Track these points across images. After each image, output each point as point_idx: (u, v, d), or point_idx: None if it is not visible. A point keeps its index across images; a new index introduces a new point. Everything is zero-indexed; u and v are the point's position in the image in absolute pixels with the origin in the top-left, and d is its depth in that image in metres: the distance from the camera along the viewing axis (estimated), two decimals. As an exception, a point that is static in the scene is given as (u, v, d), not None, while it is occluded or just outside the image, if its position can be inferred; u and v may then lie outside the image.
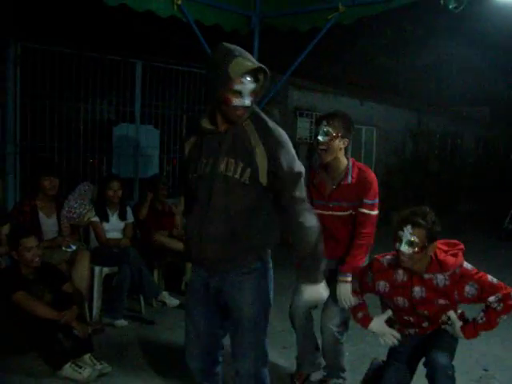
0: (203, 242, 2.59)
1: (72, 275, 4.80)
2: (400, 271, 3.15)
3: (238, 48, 2.51)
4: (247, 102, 2.48)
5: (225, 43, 2.53)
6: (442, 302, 3.08)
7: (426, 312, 3.14)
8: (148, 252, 5.61)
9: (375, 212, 3.61)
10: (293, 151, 2.59)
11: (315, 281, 2.66)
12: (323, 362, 3.96)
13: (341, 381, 3.92)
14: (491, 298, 2.99)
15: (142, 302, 5.39)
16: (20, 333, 3.95)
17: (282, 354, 4.43)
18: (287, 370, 4.18)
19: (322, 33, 4.88)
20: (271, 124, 2.61)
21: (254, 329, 2.70)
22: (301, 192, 2.59)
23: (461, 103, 17.48)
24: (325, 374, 3.97)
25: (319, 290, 2.68)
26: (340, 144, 3.58)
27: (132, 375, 4.05)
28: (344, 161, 3.65)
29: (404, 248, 2.98)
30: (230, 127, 2.56)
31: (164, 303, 5.49)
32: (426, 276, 3.08)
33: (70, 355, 3.96)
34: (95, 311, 5.08)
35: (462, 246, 3.22)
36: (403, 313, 3.24)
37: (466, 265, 3.10)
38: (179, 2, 4.49)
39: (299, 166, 2.59)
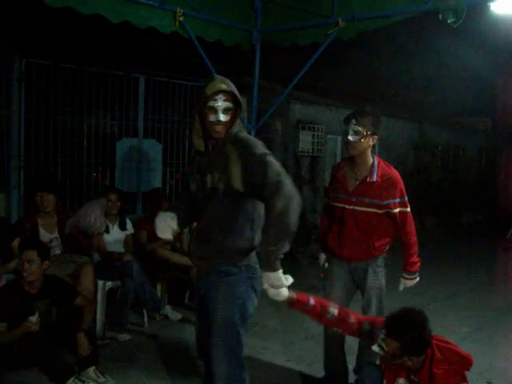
0: (191, 250, 3.01)
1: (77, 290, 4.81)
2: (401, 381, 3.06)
3: (222, 77, 2.87)
4: (222, 117, 2.76)
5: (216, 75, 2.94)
6: None
7: None
8: (151, 266, 5.63)
9: (409, 209, 3.73)
10: (271, 163, 2.65)
11: (277, 268, 2.69)
12: None
13: None
14: None
15: (145, 316, 5.40)
16: (22, 348, 3.95)
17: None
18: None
19: (322, 47, 4.93)
20: (247, 139, 2.84)
21: (225, 333, 2.82)
22: (280, 196, 2.58)
23: (462, 114, 17.50)
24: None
25: (280, 277, 2.72)
26: (369, 141, 3.66)
27: (135, 389, 4.07)
28: (370, 158, 3.73)
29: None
30: (215, 148, 2.85)
31: (167, 317, 5.50)
32: None
33: (74, 370, 3.97)
34: (99, 325, 5.08)
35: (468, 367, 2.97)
36: None
37: None
38: (181, 19, 4.55)
39: (276, 175, 2.63)
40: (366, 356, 3.84)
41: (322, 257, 4.09)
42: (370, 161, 3.71)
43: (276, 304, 3.06)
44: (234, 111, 2.82)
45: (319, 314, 3.20)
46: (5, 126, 5.95)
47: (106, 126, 7.21)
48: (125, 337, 5.03)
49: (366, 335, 3.14)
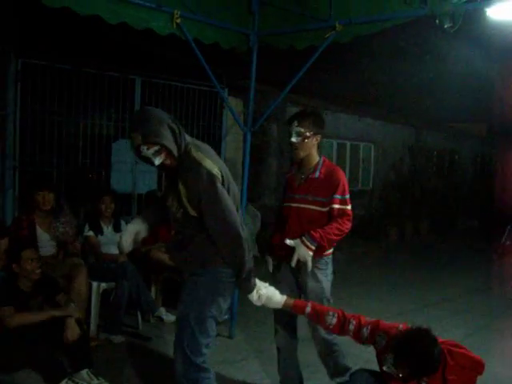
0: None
1: (70, 290, 4.80)
2: None
3: (142, 117, 2.92)
4: (156, 161, 2.87)
5: (136, 111, 2.97)
6: None
7: None
8: (145, 267, 5.63)
9: (349, 207, 3.68)
10: (210, 180, 2.87)
11: (250, 290, 3.09)
12: None
13: None
14: None
15: (140, 318, 5.39)
16: (16, 348, 3.93)
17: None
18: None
19: (319, 51, 4.92)
20: (193, 159, 2.90)
21: (183, 328, 2.96)
22: (214, 214, 2.90)
23: (458, 120, 17.56)
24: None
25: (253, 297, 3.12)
26: (313, 141, 3.71)
27: (128, 391, 4.06)
28: (316, 157, 3.77)
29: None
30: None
31: (161, 319, 5.48)
32: None
33: (67, 371, 3.96)
34: (92, 327, 5.07)
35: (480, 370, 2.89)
36: None
37: None
38: (178, 21, 4.53)
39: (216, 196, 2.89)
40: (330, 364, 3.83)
41: (269, 260, 3.96)
42: (316, 160, 3.76)
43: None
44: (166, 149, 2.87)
45: (317, 322, 3.25)
46: (0, 126, 5.93)
47: (102, 127, 7.20)
48: (119, 339, 5.01)
49: (368, 341, 3.12)
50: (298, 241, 3.58)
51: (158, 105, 7.26)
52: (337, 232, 3.61)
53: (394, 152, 14.11)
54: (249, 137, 5.22)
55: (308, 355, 4.14)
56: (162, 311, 5.50)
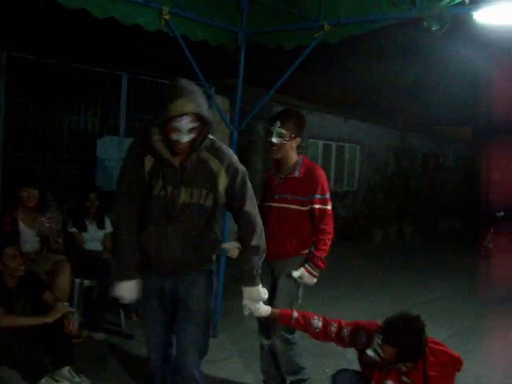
0: (164, 256, 2.86)
1: (52, 287, 4.75)
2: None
3: (190, 88, 2.69)
4: (185, 138, 2.68)
5: (182, 80, 2.73)
6: None
7: None
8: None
9: (329, 207, 3.70)
10: (247, 180, 2.94)
11: (258, 282, 3.01)
12: None
13: (307, 381, 3.94)
14: None
15: (122, 316, 5.35)
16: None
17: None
18: None
19: (307, 51, 4.91)
20: (225, 149, 2.90)
21: (199, 324, 2.97)
22: (252, 202, 2.95)
23: (443, 123, 17.68)
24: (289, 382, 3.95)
25: (260, 291, 3.04)
26: (292, 144, 3.69)
27: (110, 389, 4.02)
28: (294, 157, 3.75)
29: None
30: (186, 158, 2.78)
31: (144, 317, 5.45)
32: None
33: (48, 369, 3.92)
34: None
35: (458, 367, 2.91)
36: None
37: None
38: (167, 17, 4.51)
39: (252, 193, 2.96)
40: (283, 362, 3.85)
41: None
42: (294, 159, 3.75)
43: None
44: (202, 126, 2.73)
45: (304, 327, 3.27)
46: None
47: (88, 123, 7.15)
48: (101, 336, 4.99)
49: (349, 342, 3.14)
50: (302, 271, 3.64)
51: (144, 102, 7.21)
52: (327, 241, 3.68)
53: (379, 154, 14.17)
54: (235, 135, 5.21)
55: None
56: (146, 309, 5.47)
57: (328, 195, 3.70)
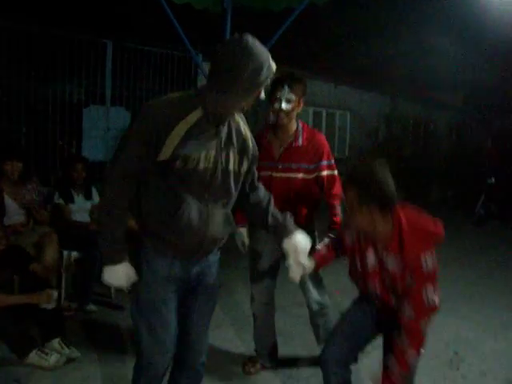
0: (207, 235, 2.45)
1: (40, 259, 4.69)
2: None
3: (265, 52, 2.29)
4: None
5: (250, 39, 2.25)
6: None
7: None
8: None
9: (336, 172, 3.66)
10: None
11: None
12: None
13: None
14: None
15: (112, 287, 5.30)
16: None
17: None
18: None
19: (295, 13, 4.80)
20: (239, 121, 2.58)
21: (214, 306, 2.81)
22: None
23: (434, 88, 17.56)
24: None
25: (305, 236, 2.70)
26: (298, 109, 3.56)
27: (101, 360, 3.99)
28: (295, 123, 3.63)
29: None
30: (229, 126, 2.46)
31: (134, 288, 5.41)
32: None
33: (37, 342, 3.88)
34: (64, 296, 4.97)
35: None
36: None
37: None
38: (149, -21, 4.38)
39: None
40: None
41: (242, 232, 3.73)
42: (295, 126, 3.62)
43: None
44: None
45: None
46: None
47: (73, 93, 7.00)
48: (91, 308, 4.94)
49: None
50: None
51: (130, 70, 7.07)
52: (339, 202, 3.63)
53: (370, 120, 14.09)
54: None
55: (282, 324, 4.12)
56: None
57: (333, 161, 3.64)
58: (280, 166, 3.57)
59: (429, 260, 2.67)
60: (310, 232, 3.56)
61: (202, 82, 8.04)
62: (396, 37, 15.06)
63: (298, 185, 3.58)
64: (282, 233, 2.66)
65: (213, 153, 2.38)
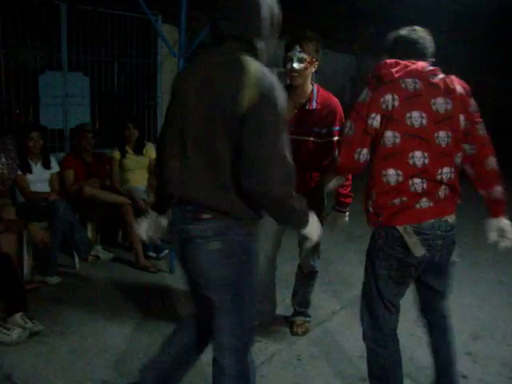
0: None
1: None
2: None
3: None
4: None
5: None
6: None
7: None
8: (80, 205, 5.39)
9: None
10: None
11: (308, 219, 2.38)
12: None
13: (308, 318, 3.99)
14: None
15: (76, 257, 5.20)
16: None
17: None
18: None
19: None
20: None
21: None
22: None
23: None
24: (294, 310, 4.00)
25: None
26: (312, 69, 3.50)
27: (66, 333, 3.91)
28: (309, 85, 3.56)
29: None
30: None
31: (98, 257, 5.32)
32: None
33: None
34: (26, 269, 4.85)
35: None
36: None
37: None
38: None
39: None
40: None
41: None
42: (310, 88, 3.55)
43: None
44: None
45: None
46: None
47: (28, 58, 6.72)
48: (54, 280, 4.83)
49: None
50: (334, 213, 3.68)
51: (86, 34, 6.80)
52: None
53: (335, 80, 14.00)
54: (182, 63, 4.98)
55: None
56: (99, 249, 5.36)
57: None
58: (292, 128, 3.44)
59: None
60: (319, 196, 3.57)
61: (162, 44, 7.80)
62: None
63: (308, 148, 3.52)
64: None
65: None
